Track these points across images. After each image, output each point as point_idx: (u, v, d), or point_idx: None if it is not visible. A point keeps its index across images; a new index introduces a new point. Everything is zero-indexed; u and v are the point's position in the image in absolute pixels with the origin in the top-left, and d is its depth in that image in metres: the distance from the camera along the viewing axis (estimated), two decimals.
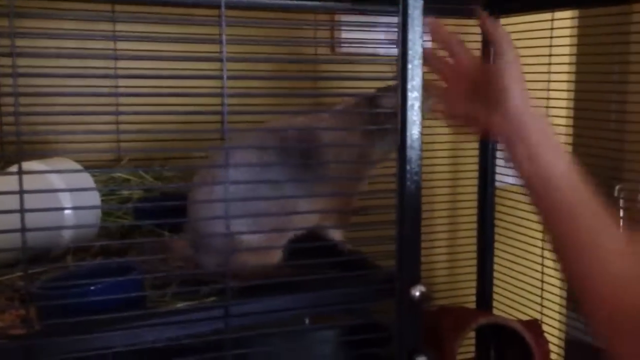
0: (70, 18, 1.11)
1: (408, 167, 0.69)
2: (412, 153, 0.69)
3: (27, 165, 0.94)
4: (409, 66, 0.69)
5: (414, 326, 0.70)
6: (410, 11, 0.67)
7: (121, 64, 1.19)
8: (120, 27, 1.19)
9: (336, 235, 0.86)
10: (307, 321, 0.72)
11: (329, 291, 0.71)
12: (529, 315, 1.37)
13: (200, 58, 1.19)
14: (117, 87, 1.23)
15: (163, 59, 1.09)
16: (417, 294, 0.69)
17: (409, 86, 0.69)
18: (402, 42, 0.68)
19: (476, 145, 1.41)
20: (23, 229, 0.61)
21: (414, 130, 0.69)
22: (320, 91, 1.29)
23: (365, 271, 0.76)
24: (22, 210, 0.61)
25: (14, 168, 0.93)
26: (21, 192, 0.61)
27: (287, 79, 1.27)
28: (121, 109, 1.23)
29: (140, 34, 1.17)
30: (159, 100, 1.09)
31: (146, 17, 1.21)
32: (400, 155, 0.70)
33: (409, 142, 0.69)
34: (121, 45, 1.20)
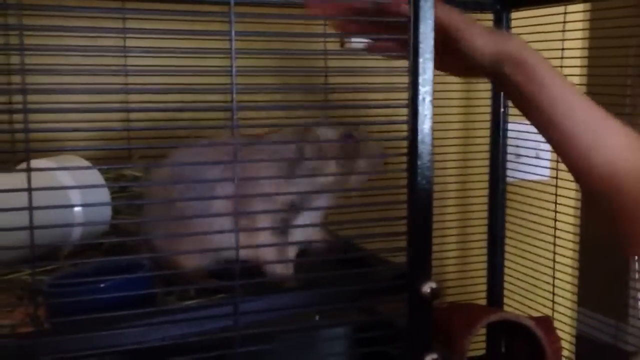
0: (78, 15, 1.11)
1: (419, 162, 0.68)
2: (423, 148, 0.68)
3: (36, 162, 0.94)
4: (420, 60, 0.68)
5: (425, 323, 0.69)
6: (421, 4, 0.66)
7: (131, 60, 1.18)
8: (129, 23, 1.19)
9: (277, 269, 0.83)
10: (317, 318, 0.71)
11: (339, 288, 0.70)
12: (540, 312, 1.36)
13: (209, 53, 1.18)
14: (126, 84, 1.23)
15: (172, 55, 1.08)
16: (428, 290, 0.68)
17: (420, 80, 0.68)
18: (414, 36, 0.68)
19: (487, 140, 1.40)
20: (31, 227, 0.60)
21: (425, 124, 0.68)
22: (330, 86, 1.28)
23: (375, 268, 0.75)
24: (30, 208, 0.60)
25: (23, 166, 0.94)
26: (29, 189, 0.60)
27: (297, 73, 1.26)
28: (131, 105, 1.23)
29: (149, 29, 1.17)
30: (169, 97, 1.09)
31: (155, 12, 1.21)
32: (411, 150, 0.69)
33: (420, 136, 0.68)
34: (130, 42, 1.19)
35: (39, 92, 0.62)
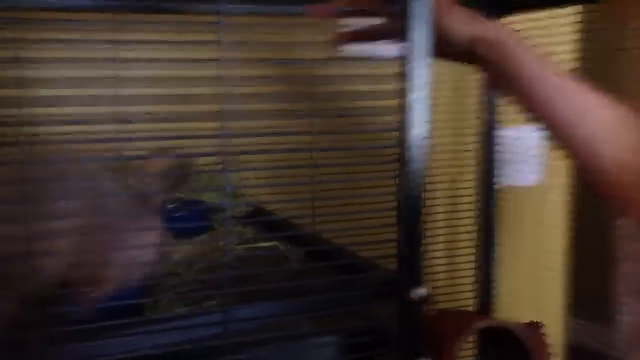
0: (73, 28, 1.11)
1: (409, 169, 0.68)
2: (413, 154, 0.69)
3: None
4: (411, 66, 0.68)
5: (414, 328, 0.69)
6: (412, 11, 0.67)
7: (124, 71, 1.18)
8: (123, 35, 1.19)
9: None
10: (306, 325, 0.71)
11: (328, 295, 0.70)
12: (529, 319, 1.37)
13: (199, 61, 1.18)
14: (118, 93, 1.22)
15: (164, 64, 1.09)
16: (417, 296, 0.68)
17: (411, 86, 0.68)
18: (405, 42, 0.68)
19: (477, 146, 1.41)
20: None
21: (416, 131, 0.69)
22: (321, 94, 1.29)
23: (365, 274, 0.75)
24: None
25: None
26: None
27: (288, 81, 1.27)
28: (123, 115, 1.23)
29: (142, 40, 1.17)
30: (163, 107, 1.09)
31: (147, 24, 1.21)
32: (400, 156, 0.69)
33: (409, 143, 0.69)
34: (125, 54, 1.19)
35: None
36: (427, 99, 0.69)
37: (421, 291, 0.68)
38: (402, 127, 0.69)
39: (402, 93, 0.69)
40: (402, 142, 0.69)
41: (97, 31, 1.18)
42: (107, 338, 0.65)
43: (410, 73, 0.68)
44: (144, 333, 0.67)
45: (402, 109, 0.69)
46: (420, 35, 0.68)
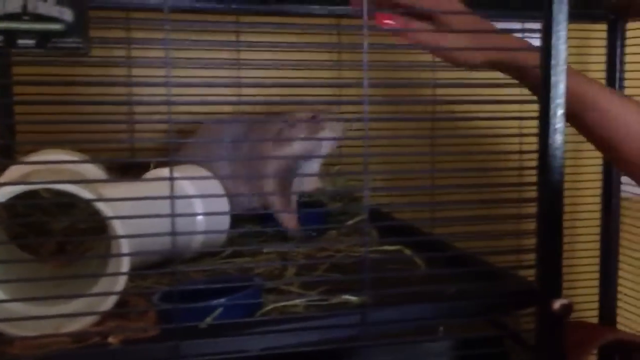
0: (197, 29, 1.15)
1: (550, 177, 0.67)
2: (554, 162, 0.67)
3: (159, 172, 0.96)
4: (552, 72, 0.67)
5: (557, 341, 0.68)
6: (555, 15, 0.65)
7: (244, 72, 1.21)
8: (243, 37, 1.22)
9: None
10: (441, 330, 0.71)
11: (466, 302, 0.70)
12: None
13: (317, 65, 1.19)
14: (240, 95, 1.26)
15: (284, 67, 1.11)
16: (559, 307, 0.67)
17: (552, 94, 0.67)
18: (545, 49, 0.67)
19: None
20: (174, 233, 0.63)
21: (557, 137, 0.67)
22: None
23: (504, 282, 0.74)
24: (172, 215, 0.63)
25: (148, 175, 0.97)
26: (172, 197, 0.63)
27: (405, 85, 1.26)
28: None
29: (262, 43, 1.20)
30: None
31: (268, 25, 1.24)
32: (540, 164, 0.68)
33: (550, 150, 0.67)
34: (244, 55, 1.22)
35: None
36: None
37: (563, 302, 0.67)
38: (541, 133, 0.68)
39: (543, 100, 0.67)
40: (542, 149, 0.67)
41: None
42: (241, 335, 0.67)
43: (551, 80, 0.66)
44: (277, 332, 0.68)
45: (542, 116, 0.67)
46: (561, 42, 0.66)
